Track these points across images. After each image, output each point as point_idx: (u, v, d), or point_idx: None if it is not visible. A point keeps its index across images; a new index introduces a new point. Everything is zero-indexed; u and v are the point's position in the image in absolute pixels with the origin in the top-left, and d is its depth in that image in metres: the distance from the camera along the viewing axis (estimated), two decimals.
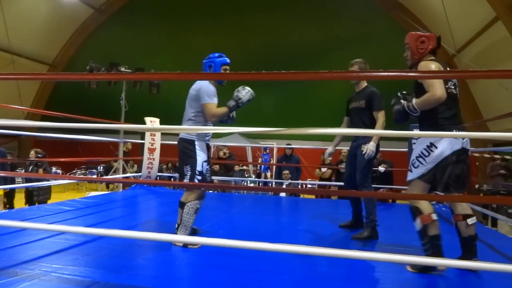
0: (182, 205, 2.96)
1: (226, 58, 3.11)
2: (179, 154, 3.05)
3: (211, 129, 2.78)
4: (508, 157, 8.30)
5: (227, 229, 3.63)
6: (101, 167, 13.36)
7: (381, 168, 6.03)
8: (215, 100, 3.00)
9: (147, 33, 14.55)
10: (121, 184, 7.58)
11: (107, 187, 10.93)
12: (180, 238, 2.74)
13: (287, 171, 7.31)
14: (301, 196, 6.83)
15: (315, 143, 11.19)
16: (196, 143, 3.00)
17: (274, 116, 13.97)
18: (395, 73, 1.84)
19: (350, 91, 3.90)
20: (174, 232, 2.93)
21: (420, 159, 2.47)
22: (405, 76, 1.91)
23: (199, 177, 2.97)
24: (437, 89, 2.37)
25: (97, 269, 2.30)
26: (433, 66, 2.46)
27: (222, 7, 13.98)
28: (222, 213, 4.57)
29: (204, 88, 2.97)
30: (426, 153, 2.45)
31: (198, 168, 2.97)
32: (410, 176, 2.56)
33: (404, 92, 2.70)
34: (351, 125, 3.76)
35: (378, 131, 3.49)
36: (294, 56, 13.57)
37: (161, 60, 13.80)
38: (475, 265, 2.06)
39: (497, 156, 8.81)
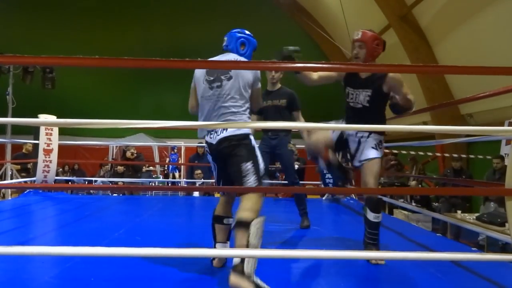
0: (244, 224, 1.99)
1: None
2: (232, 153, 2.24)
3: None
4: (396, 151, 9.22)
5: (146, 235, 3.34)
6: None
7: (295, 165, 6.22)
8: None
9: (37, 23, 13.02)
10: (9, 192, 6.63)
11: None
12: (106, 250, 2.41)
13: (199, 171, 7.12)
14: (216, 195, 6.70)
15: None
16: (251, 137, 2.31)
17: (181, 114, 13.60)
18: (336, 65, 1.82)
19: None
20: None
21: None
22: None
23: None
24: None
25: None
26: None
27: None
28: (135, 217, 4.23)
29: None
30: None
31: (261, 166, 2.29)
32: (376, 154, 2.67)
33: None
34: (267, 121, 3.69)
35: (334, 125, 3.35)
36: (198, 54, 13.31)
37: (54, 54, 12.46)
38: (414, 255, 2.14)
39: (387, 151, 9.74)
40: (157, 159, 12.54)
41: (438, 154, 8.41)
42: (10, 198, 6.24)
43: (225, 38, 2.48)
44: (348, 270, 2.42)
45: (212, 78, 2.33)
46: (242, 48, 2.44)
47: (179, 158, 11.48)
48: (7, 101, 7.08)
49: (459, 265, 2.55)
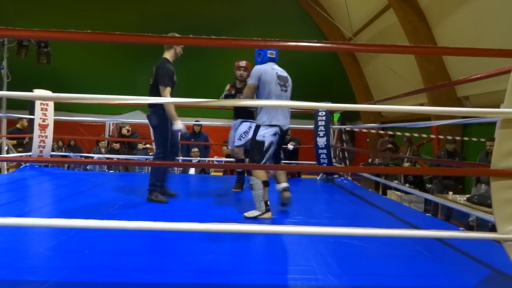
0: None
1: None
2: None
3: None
4: (390, 132, 9.25)
5: (139, 210, 3.39)
6: None
7: (290, 146, 6.26)
8: None
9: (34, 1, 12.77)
10: (5, 166, 6.65)
11: None
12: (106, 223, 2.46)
13: (196, 149, 7.15)
14: (211, 173, 6.76)
15: (223, 120, 11.14)
16: None
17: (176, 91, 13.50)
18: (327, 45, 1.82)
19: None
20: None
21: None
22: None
23: None
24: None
25: None
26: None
27: None
28: (130, 193, 4.27)
29: None
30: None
31: None
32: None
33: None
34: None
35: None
36: (197, 32, 13.11)
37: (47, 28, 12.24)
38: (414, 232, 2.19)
39: (383, 132, 9.78)
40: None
41: (433, 136, 8.45)
42: (6, 173, 6.26)
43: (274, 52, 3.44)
44: (336, 247, 2.48)
45: (282, 83, 3.33)
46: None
47: None
48: (2, 75, 7.01)
49: (446, 243, 2.62)
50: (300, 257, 2.29)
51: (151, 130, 3.86)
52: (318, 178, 5.97)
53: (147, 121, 3.85)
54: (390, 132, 9.17)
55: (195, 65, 12.77)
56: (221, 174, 8.22)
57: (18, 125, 8.05)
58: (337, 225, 2.91)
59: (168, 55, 3.75)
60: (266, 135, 3.19)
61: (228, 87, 4.45)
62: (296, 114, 12.27)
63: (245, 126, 4.28)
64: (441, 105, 8.05)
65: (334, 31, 12.64)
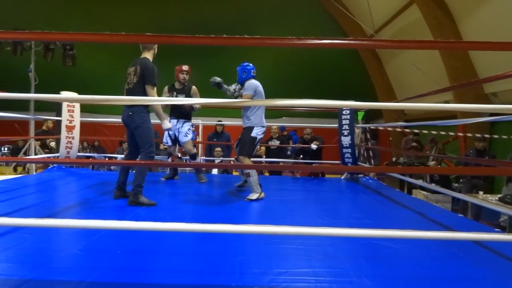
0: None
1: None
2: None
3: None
4: (417, 131, 9.05)
5: (167, 211, 3.41)
6: (5, 148, 11.95)
7: (313, 146, 6.21)
8: None
9: (57, 4, 13.08)
10: (33, 167, 6.82)
11: (15, 170, 9.81)
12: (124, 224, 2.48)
13: (219, 149, 7.16)
14: (233, 173, 6.76)
15: None
16: None
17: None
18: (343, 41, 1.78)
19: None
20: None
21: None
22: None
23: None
24: None
25: (23, 265, 1.98)
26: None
27: None
28: (155, 194, 4.30)
29: None
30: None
31: None
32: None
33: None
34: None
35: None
36: (210, 33, 13.13)
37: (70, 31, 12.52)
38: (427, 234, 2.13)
39: (408, 131, 9.58)
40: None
41: (460, 134, 8.22)
42: (34, 173, 6.42)
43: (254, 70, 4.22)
44: (367, 249, 2.43)
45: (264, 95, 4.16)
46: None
47: (197, 136, 11.54)
48: (30, 78, 7.19)
49: (480, 245, 2.53)
50: (333, 259, 2.25)
51: (133, 130, 3.62)
52: (342, 177, 5.90)
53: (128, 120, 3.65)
54: (415, 130, 8.98)
55: (215, 63, 12.85)
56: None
57: (43, 127, 8.25)
58: (366, 226, 2.86)
59: (148, 55, 3.77)
60: (258, 133, 4.07)
61: (166, 89, 5.06)
62: (319, 113, 12.23)
63: (187, 125, 5.01)
64: (468, 102, 7.83)
65: (354, 28, 12.46)
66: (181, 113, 5.00)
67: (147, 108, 3.68)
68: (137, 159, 3.74)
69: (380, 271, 2.06)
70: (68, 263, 2.08)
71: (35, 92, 7.13)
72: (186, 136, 4.97)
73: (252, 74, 4.16)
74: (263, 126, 4.12)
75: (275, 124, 7.53)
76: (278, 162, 6.93)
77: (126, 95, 3.68)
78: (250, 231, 2.17)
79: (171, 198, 4.10)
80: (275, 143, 7.39)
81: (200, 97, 4.87)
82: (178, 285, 1.84)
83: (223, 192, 4.51)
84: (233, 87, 4.30)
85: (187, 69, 4.94)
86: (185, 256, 2.25)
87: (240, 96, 4.19)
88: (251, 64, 4.19)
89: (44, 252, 2.22)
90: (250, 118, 4.07)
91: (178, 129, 4.99)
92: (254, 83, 4.07)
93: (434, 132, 8.24)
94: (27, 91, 7.12)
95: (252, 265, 2.11)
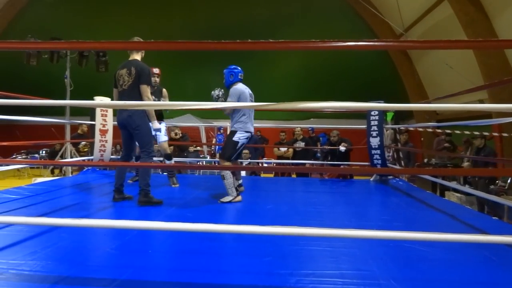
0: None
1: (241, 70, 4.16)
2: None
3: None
4: (448, 131, 8.78)
5: (195, 212, 3.48)
6: (43, 152, 12.49)
7: (342, 148, 6.17)
8: None
9: (89, 11, 13.61)
10: (70, 169, 7.10)
11: (52, 173, 10.25)
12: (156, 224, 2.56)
13: (246, 151, 7.22)
14: (261, 175, 6.80)
15: (275, 122, 11.17)
16: None
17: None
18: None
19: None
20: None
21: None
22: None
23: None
24: None
25: (60, 262, 2.09)
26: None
27: None
28: (185, 195, 4.40)
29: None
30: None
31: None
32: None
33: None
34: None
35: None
36: (241, 35, 13.24)
37: (104, 39, 13.00)
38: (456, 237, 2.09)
39: (439, 131, 9.31)
40: (204, 139, 12.82)
41: (496, 134, 7.93)
42: (70, 176, 6.69)
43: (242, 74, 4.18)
44: (396, 251, 2.40)
45: (251, 99, 4.14)
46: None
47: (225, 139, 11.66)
48: (65, 84, 7.50)
49: None
50: (360, 261, 2.24)
51: (132, 131, 3.77)
52: (371, 179, 5.81)
53: (129, 122, 3.72)
54: (448, 131, 8.73)
55: (249, 67, 12.95)
56: (271, 175, 8.25)
57: (79, 131, 8.57)
58: (395, 229, 2.82)
59: (138, 56, 3.88)
60: (241, 138, 4.00)
61: None
62: (347, 114, 12.09)
63: (164, 126, 5.13)
64: (504, 101, 7.55)
65: (383, 27, 12.26)
66: (160, 114, 5.15)
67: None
68: (141, 160, 3.87)
69: (408, 274, 2.04)
70: (102, 262, 2.18)
71: (71, 97, 7.44)
72: (165, 136, 5.13)
73: (239, 77, 4.11)
74: (247, 132, 4.02)
75: (298, 126, 7.50)
76: (304, 164, 6.91)
77: (120, 97, 3.80)
78: (278, 232, 2.19)
79: (192, 199, 4.18)
80: (300, 144, 7.37)
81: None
82: (206, 284, 1.89)
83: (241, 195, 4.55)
84: (216, 92, 4.24)
85: (158, 72, 5.04)
86: (212, 256, 2.30)
87: (223, 101, 4.19)
88: (238, 67, 4.15)
89: (80, 251, 2.33)
90: (235, 123, 4.03)
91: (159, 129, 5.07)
92: (238, 89, 4.00)
93: (467, 132, 7.97)
94: (64, 96, 7.43)
95: (279, 266, 2.13)
